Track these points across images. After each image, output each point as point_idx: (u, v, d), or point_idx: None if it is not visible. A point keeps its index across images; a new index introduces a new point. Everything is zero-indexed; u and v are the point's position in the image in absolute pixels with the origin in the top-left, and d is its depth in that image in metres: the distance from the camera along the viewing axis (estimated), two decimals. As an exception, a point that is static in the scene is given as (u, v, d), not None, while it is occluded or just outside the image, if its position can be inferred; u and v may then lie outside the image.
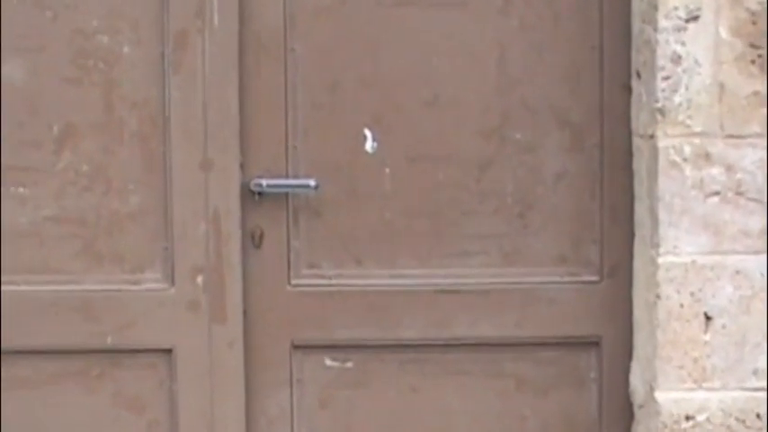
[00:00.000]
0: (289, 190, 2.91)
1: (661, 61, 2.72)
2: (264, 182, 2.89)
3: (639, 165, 2.86)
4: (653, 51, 2.74)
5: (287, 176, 2.91)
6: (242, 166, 2.90)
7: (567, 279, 2.96)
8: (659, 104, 2.73)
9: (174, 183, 2.87)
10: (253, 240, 2.92)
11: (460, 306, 2.94)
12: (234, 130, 2.84)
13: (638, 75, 2.85)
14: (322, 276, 2.94)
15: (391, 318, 2.94)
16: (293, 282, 2.93)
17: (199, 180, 2.86)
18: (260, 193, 2.90)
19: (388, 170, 2.93)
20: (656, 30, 2.73)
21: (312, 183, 2.89)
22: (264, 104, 2.90)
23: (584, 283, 2.96)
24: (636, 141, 2.88)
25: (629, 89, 2.91)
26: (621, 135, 2.93)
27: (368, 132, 2.92)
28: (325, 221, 2.94)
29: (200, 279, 2.86)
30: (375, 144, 2.92)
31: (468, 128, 2.94)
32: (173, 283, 2.88)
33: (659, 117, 2.73)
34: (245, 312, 2.91)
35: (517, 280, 2.96)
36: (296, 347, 2.94)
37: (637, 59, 2.85)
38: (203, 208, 2.86)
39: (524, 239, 2.96)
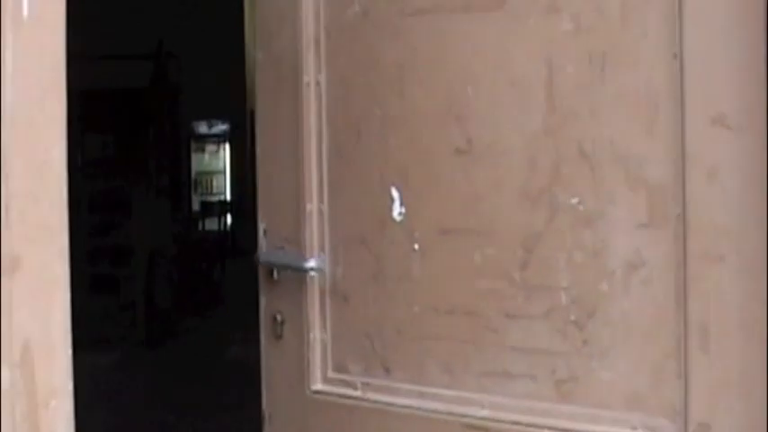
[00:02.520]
0: (287, 269, 2.22)
1: None
2: (260, 257, 2.24)
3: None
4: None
5: (305, 248, 2.22)
6: (265, 233, 2.29)
7: (640, 433, 1.83)
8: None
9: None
10: (274, 329, 2.28)
11: (494, 452, 1.98)
12: (58, 201, 1.53)
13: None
14: (349, 384, 2.19)
15: (414, 454, 2.09)
16: (313, 387, 2.23)
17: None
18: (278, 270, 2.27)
19: (417, 246, 2.08)
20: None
21: (311, 264, 2.17)
22: (285, 154, 2.25)
23: (664, 442, 1.81)
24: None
25: (726, 125, 1.70)
26: (721, 202, 1.73)
27: (395, 192, 2.11)
28: (353, 309, 2.19)
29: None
30: (403, 209, 2.10)
31: (509, 187, 1.97)
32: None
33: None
34: (269, 419, 2.29)
35: (572, 426, 1.91)
36: (317, 472, 2.24)
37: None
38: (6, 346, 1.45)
39: (584, 362, 1.90)
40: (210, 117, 15.67)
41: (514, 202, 1.95)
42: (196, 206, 15.18)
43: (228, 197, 15.78)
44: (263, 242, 2.29)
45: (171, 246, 10.40)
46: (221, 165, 16.15)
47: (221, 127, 15.88)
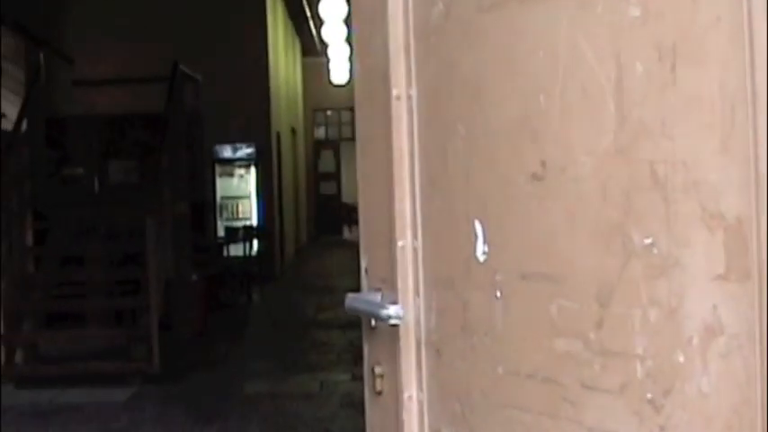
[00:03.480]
0: (368, 317, 1.91)
1: None
2: (347, 301, 1.95)
3: None
4: None
5: (397, 290, 1.90)
6: (366, 272, 2.00)
7: None
8: None
9: None
10: (374, 383, 1.98)
11: None
12: None
13: None
14: (442, 454, 1.85)
15: None
16: (407, 455, 1.90)
17: None
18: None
19: (498, 293, 1.71)
20: None
21: (389, 311, 1.85)
22: (379, 180, 1.94)
23: None
24: None
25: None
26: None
27: (479, 227, 1.74)
28: (445, 365, 1.84)
29: None
30: (486, 247, 1.73)
31: (582, 222, 1.55)
32: None
33: None
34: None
35: None
36: None
37: None
38: None
39: (662, 454, 1.44)
40: (235, 140, 15.09)
41: (587, 241, 1.52)
42: (221, 231, 14.68)
43: (255, 222, 15.15)
44: (364, 282, 1.99)
45: (192, 273, 9.93)
46: (247, 189, 15.59)
47: (246, 150, 15.33)
